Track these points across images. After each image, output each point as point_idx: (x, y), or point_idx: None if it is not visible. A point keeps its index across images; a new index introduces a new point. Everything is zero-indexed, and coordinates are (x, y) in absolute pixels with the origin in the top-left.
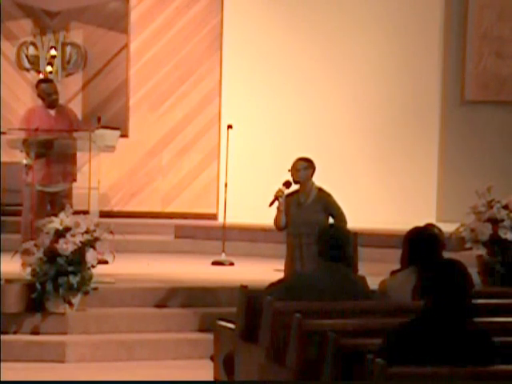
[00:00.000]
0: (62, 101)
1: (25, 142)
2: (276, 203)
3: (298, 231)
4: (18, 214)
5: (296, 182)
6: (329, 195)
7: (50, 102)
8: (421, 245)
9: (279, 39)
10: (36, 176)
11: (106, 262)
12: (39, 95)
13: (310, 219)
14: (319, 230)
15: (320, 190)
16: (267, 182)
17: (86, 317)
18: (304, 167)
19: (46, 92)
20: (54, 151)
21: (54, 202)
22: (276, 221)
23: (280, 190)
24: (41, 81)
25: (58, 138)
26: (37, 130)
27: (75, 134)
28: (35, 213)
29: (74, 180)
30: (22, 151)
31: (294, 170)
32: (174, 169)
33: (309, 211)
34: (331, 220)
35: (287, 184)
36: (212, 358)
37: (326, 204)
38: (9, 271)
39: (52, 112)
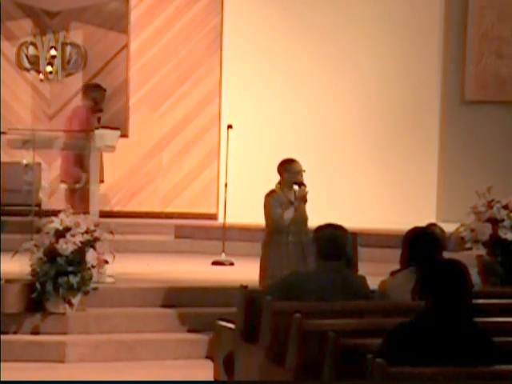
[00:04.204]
0: (61, 101)
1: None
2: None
3: (287, 229)
4: (18, 214)
5: (301, 184)
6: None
7: (98, 109)
8: (421, 245)
9: (279, 39)
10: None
11: (106, 262)
12: (94, 99)
13: (299, 218)
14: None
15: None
16: (267, 182)
17: (85, 317)
18: (302, 168)
19: (102, 99)
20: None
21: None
22: (282, 219)
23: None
24: (99, 87)
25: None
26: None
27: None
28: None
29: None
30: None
31: (298, 172)
32: (173, 169)
33: (298, 210)
34: None
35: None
36: (212, 358)
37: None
38: (9, 271)
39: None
